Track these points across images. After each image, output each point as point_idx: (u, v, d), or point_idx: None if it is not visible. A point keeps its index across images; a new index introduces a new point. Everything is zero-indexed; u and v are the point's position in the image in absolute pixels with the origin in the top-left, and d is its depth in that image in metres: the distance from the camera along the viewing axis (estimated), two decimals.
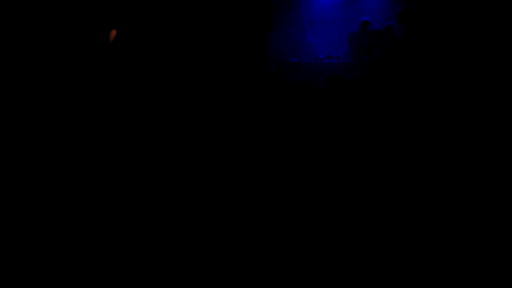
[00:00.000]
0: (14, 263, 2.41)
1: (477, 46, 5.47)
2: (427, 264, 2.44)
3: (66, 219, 2.76)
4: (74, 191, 2.98)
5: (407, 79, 5.87)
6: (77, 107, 4.09)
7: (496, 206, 2.86)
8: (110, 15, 5.37)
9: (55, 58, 4.75)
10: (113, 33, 4.34)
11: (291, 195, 3.10)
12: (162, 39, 6.49)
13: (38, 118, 3.78)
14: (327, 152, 3.62)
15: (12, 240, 2.56)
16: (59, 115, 3.92)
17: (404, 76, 6.11)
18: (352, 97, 4.83)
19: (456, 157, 3.46)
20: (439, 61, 6.08)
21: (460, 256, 2.45)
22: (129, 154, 3.39)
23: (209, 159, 3.48)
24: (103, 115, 3.96)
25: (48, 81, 4.46)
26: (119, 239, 2.63)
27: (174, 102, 4.69)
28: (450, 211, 2.85)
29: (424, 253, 2.51)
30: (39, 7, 4.70)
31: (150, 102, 4.51)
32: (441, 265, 2.43)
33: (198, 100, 4.93)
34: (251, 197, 3.06)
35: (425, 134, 3.88)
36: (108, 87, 4.56)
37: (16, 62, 4.47)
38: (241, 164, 3.44)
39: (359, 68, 6.86)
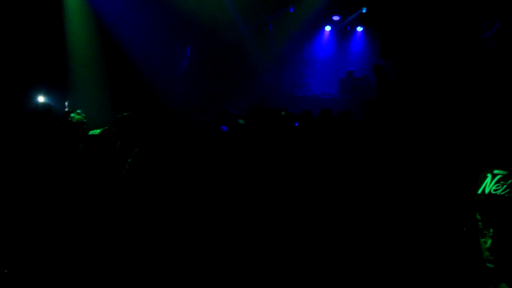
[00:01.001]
0: (14, 263, 2.34)
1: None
2: (424, 264, 2.38)
3: (66, 219, 2.68)
4: (74, 192, 2.85)
5: (379, 111, 7.78)
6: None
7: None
8: None
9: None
10: None
11: (288, 206, 2.94)
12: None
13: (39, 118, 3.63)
14: (318, 164, 3.53)
15: (12, 240, 2.48)
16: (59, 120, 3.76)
17: (376, 109, 8.19)
18: (338, 123, 5.60)
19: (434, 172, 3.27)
20: (402, 99, 8.29)
21: (459, 256, 2.31)
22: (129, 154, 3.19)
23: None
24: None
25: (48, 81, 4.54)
26: (119, 239, 2.56)
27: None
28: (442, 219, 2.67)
29: (420, 254, 2.44)
30: None
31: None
32: (438, 265, 2.36)
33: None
34: (252, 203, 2.91)
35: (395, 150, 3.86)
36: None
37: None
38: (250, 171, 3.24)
39: (344, 102, 9.32)
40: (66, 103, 5.67)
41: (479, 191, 1.58)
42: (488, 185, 1.57)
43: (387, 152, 3.74)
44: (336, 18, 11.09)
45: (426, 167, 3.26)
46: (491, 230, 1.56)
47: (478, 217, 1.61)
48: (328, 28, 11.48)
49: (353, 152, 3.81)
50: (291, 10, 10.71)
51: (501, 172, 1.56)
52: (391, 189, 3.04)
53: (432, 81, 6.86)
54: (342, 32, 11.50)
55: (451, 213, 2.52)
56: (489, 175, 1.59)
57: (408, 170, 3.28)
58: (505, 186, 1.52)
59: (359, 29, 11.33)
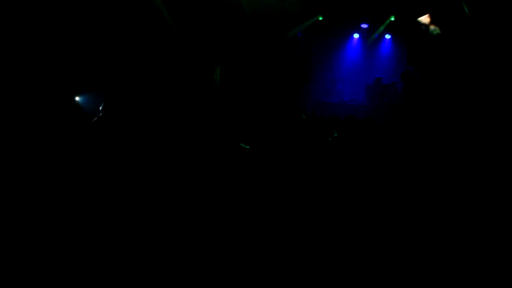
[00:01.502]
0: (14, 263, 2.33)
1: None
2: (423, 264, 2.40)
3: (66, 219, 2.66)
4: (74, 191, 2.84)
5: (406, 117, 7.84)
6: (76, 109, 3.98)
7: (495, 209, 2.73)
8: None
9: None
10: None
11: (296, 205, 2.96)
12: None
13: (38, 119, 3.60)
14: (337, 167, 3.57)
15: (12, 240, 2.47)
16: (59, 116, 3.76)
17: (403, 115, 8.23)
18: (364, 129, 5.42)
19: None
20: (429, 106, 8.46)
21: (458, 256, 2.38)
22: (130, 154, 3.23)
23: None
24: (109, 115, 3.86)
25: (49, 81, 4.42)
26: (119, 239, 2.54)
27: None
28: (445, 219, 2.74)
29: (421, 255, 2.46)
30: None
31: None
32: (438, 265, 2.37)
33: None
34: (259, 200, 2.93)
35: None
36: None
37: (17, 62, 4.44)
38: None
39: (371, 108, 9.63)
40: None
41: None
42: None
43: (411, 157, 3.82)
44: (364, 26, 11.36)
45: (448, 172, 3.30)
46: None
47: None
48: (356, 35, 11.77)
49: (378, 157, 3.85)
50: (299, 35, 11.07)
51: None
52: (412, 191, 3.06)
53: (459, 89, 6.97)
54: (371, 39, 11.74)
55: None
56: None
57: (431, 175, 3.31)
58: None
59: (387, 36, 11.56)
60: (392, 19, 10.92)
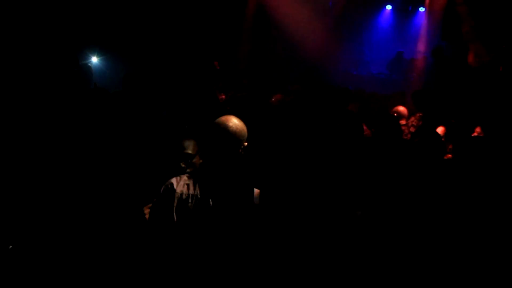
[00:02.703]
0: (14, 263, 2.29)
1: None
2: (424, 265, 2.37)
3: (66, 219, 2.62)
4: (73, 191, 2.77)
5: (433, 94, 7.21)
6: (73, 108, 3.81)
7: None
8: None
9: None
10: None
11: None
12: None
13: (38, 118, 3.53)
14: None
15: (12, 240, 2.43)
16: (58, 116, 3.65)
17: (431, 92, 8.32)
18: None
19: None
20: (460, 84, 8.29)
21: (458, 257, 2.37)
22: (130, 154, 3.11)
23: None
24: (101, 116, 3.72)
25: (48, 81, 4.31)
26: (119, 239, 2.50)
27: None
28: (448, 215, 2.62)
29: (423, 256, 2.42)
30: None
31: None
32: (439, 266, 2.35)
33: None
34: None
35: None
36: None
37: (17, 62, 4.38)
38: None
39: (399, 83, 9.50)
40: None
41: None
42: None
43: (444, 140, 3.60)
44: None
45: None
46: None
47: None
48: (389, 7, 11.43)
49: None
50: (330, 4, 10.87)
51: None
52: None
53: (494, 68, 6.71)
54: (403, 11, 11.40)
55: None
56: None
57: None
58: None
59: (421, 9, 11.20)
60: None
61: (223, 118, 2.18)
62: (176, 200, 2.08)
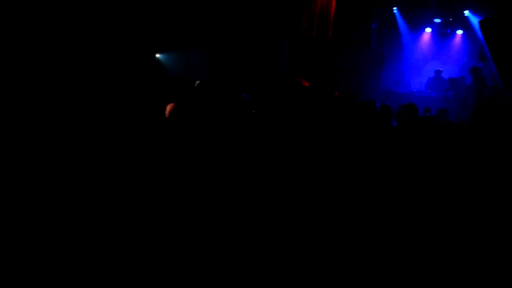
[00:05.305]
0: (14, 263, 2.28)
1: None
2: (424, 264, 2.36)
3: (66, 219, 2.59)
4: (74, 191, 2.75)
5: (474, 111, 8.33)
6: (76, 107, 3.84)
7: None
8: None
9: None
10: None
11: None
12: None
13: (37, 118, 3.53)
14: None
15: (12, 240, 2.40)
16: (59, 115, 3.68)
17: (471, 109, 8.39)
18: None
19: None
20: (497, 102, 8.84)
21: (458, 256, 2.36)
22: (130, 153, 3.12)
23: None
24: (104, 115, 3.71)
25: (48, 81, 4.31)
26: (118, 239, 2.50)
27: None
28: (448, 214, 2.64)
29: (422, 254, 2.41)
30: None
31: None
32: (439, 265, 2.34)
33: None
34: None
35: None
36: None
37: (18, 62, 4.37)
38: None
39: (439, 100, 10.23)
40: None
41: None
42: None
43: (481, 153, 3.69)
44: (437, 20, 11.83)
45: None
46: None
47: None
48: (428, 29, 12.24)
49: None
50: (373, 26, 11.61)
51: None
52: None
53: None
54: (442, 34, 12.20)
55: None
56: None
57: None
58: None
59: (459, 32, 11.96)
60: (466, 14, 11.29)
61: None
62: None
